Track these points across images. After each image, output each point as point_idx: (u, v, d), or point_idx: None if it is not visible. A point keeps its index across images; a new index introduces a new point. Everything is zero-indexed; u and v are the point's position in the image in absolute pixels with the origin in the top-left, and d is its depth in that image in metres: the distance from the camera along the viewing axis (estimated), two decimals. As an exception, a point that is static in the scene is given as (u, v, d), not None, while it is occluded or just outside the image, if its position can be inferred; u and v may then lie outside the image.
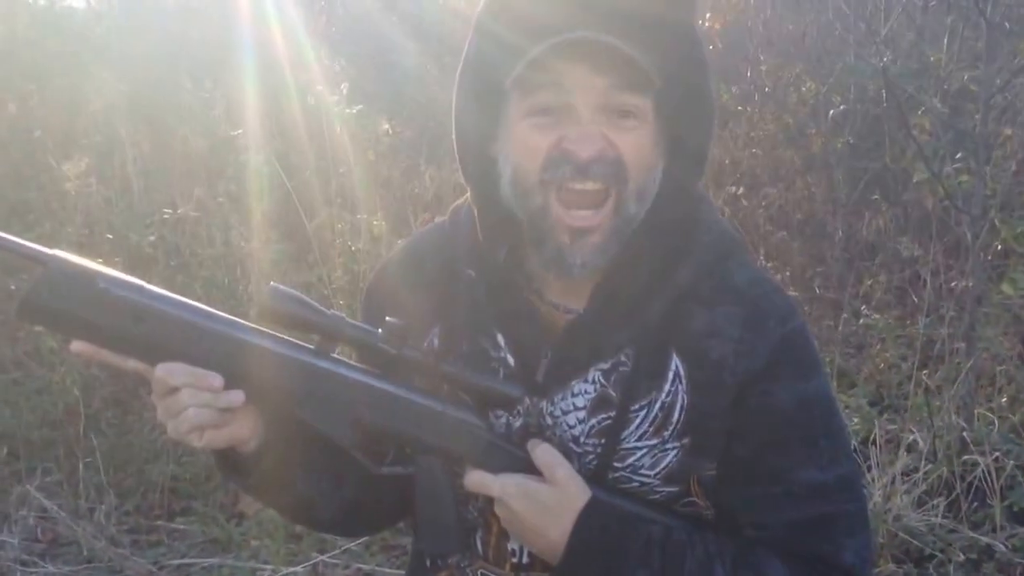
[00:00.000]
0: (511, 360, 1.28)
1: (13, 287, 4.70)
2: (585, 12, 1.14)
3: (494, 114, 1.23)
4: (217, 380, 1.13)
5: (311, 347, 1.21)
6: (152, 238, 4.62)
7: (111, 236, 4.56)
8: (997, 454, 3.52)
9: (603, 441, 1.25)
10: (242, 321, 1.18)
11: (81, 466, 3.74)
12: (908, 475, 3.53)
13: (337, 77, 5.90)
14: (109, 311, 1.10)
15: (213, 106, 5.32)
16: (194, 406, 1.13)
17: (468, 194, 1.33)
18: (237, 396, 1.15)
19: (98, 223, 4.67)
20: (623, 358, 1.25)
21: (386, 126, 5.59)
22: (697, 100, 1.23)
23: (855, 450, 3.62)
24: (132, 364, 1.14)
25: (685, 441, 1.24)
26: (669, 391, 1.24)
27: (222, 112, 5.27)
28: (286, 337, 1.20)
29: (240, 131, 5.04)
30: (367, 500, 1.37)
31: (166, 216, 4.70)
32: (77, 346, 1.13)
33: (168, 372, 1.13)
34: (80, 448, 3.84)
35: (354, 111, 5.23)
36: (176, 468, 3.85)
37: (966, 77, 4.39)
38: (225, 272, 4.52)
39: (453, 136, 1.29)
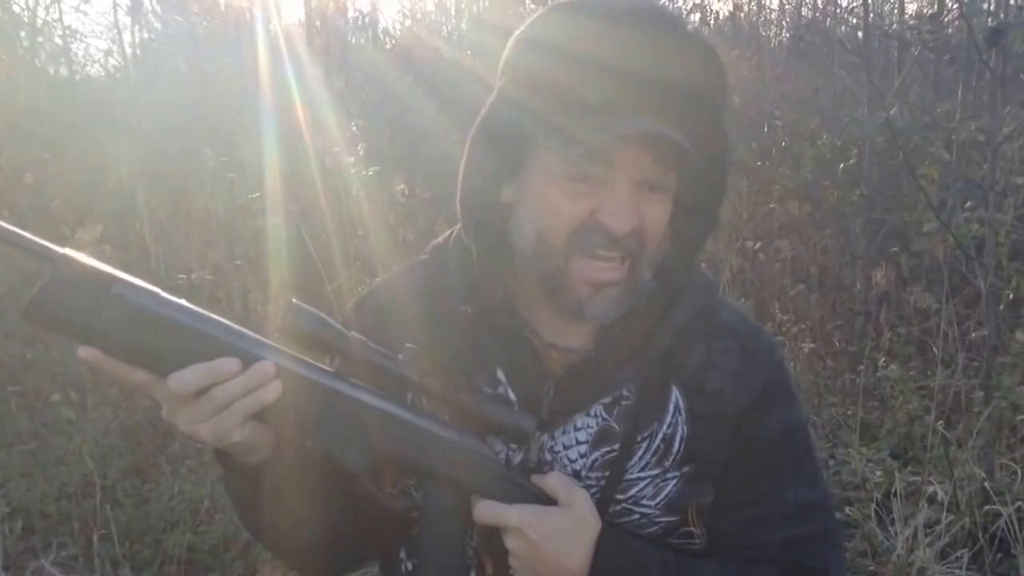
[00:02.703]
0: (512, 395, 1.28)
1: (29, 356, 4.75)
2: (639, 93, 1.12)
3: (512, 163, 1.21)
4: (233, 363, 1.07)
5: (331, 370, 1.16)
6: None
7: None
8: (1020, 504, 3.51)
9: (607, 473, 1.26)
10: (263, 338, 1.12)
11: (96, 539, 3.72)
12: (930, 527, 3.51)
13: (354, 139, 5.97)
14: (125, 319, 1.02)
15: (230, 170, 5.36)
16: (237, 397, 1.07)
17: (453, 232, 1.33)
18: (276, 388, 1.09)
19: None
20: (625, 392, 1.27)
21: (403, 187, 5.61)
22: (716, 168, 1.23)
23: (878, 503, 3.68)
24: (140, 375, 1.07)
25: (685, 470, 1.27)
26: (670, 423, 1.27)
27: (239, 176, 5.31)
28: (307, 359, 1.14)
29: (258, 195, 5.07)
30: (347, 532, 1.32)
31: (180, 280, 4.71)
32: (85, 352, 1.04)
33: (190, 376, 1.05)
34: (96, 520, 3.82)
35: (371, 173, 5.26)
36: (193, 538, 3.82)
37: (973, 127, 4.38)
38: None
39: (459, 178, 1.26)
